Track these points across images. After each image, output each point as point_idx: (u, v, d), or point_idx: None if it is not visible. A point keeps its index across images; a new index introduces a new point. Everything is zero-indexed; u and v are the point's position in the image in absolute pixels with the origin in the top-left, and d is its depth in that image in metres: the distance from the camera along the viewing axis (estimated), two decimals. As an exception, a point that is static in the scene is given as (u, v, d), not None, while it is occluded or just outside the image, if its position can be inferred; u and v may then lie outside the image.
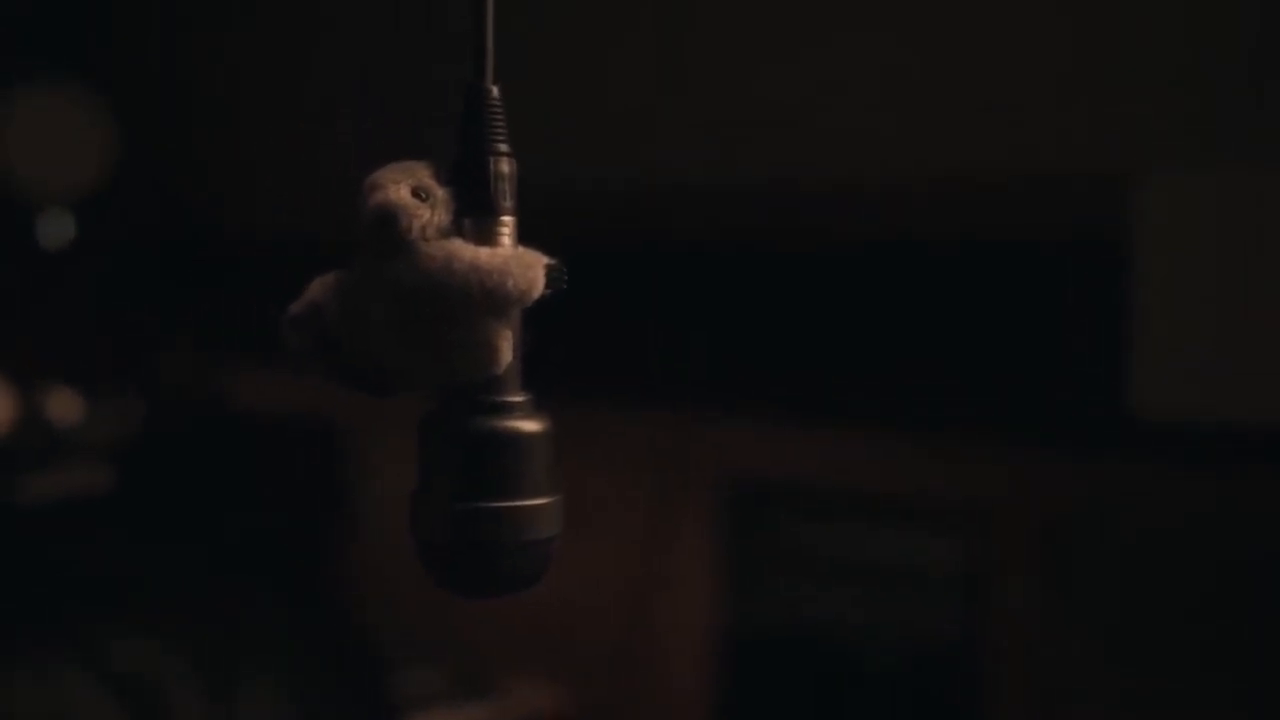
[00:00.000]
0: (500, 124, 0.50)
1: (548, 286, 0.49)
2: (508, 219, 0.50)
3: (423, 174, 0.49)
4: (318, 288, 0.50)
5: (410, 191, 0.48)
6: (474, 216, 0.49)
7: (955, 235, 1.58)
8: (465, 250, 0.48)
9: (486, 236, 0.49)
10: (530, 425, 0.49)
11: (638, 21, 1.78)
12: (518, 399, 0.50)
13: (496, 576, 0.49)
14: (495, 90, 0.50)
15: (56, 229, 2.50)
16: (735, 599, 1.85)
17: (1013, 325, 1.54)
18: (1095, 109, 1.47)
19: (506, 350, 0.49)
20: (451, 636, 2.13)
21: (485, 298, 0.48)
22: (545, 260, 0.49)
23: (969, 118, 1.55)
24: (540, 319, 0.50)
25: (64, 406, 2.20)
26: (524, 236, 0.50)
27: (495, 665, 2.10)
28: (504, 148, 0.50)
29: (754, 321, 1.75)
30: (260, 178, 2.47)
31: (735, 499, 1.83)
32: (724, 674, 1.86)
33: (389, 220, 0.48)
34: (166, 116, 2.61)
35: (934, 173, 1.58)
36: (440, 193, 0.49)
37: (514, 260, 0.48)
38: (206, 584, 1.67)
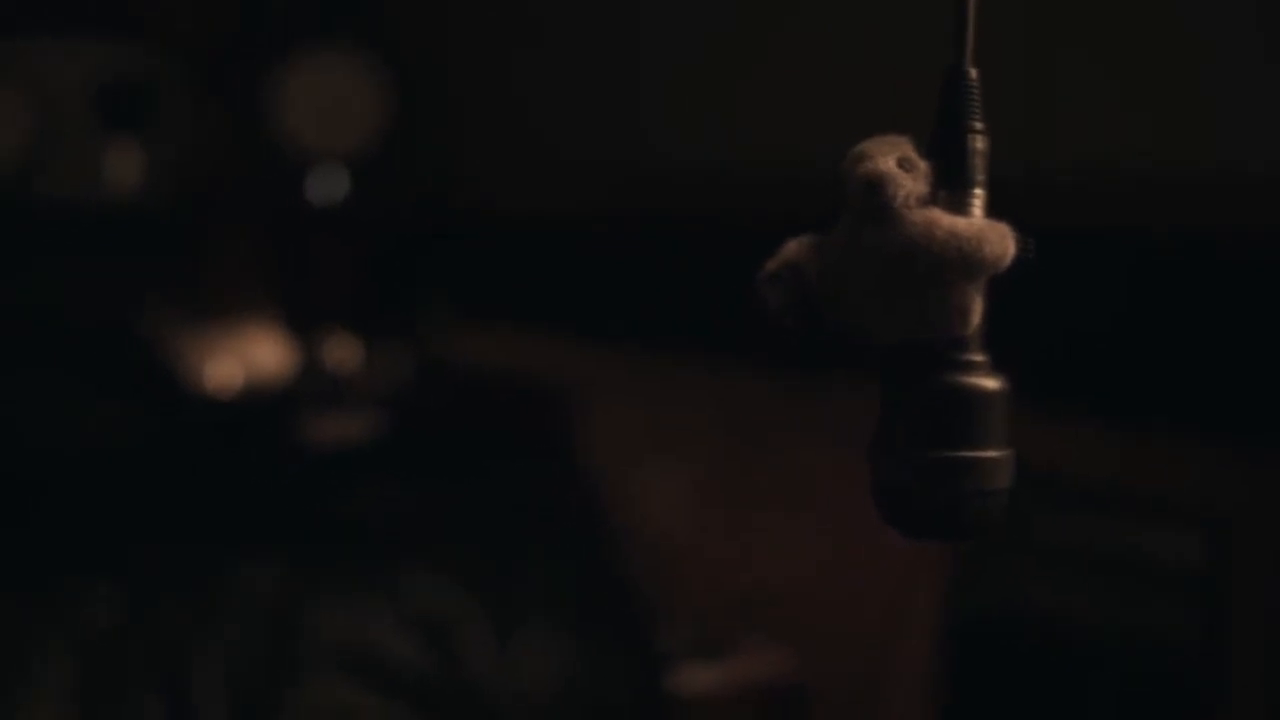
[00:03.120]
0: (977, 104, 0.54)
1: (1017, 256, 0.53)
2: (979, 192, 0.54)
3: (906, 148, 0.53)
4: (794, 249, 0.55)
5: (896, 162, 0.52)
6: (949, 188, 0.53)
7: (1226, 229, 1.57)
8: (944, 219, 0.52)
9: (960, 207, 0.53)
10: (993, 383, 0.53)
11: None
12: (980, 358, 0.54)
13: (959, 522, 0.53)
14: (974, 73, 0.54)
15: (329, 186, 2.61)
16: (967, 586, 1.85)
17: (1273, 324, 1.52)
18: None
19: (976, 313, 0.53)
20: (683, 598, 2.18)
21: (962, 263, 0.52)
22: (1015, 232, 0.53)
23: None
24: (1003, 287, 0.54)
25: (342, 353, 2.30)
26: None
27: (727, 630, 2.14)
28: (979, 126, 0.54)
29: (999, 309, 1.75)
30: (522, 151, 2.55)
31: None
32: (951, 660, 1.87)
33: (877, 187, 0.52)
34: (438, 82, 2.70)
35: (1218, 165, 1.56)
36: (922, 165, 0.53)
37: (988, 229, 0.52)
38: (485, 530, 1.75)
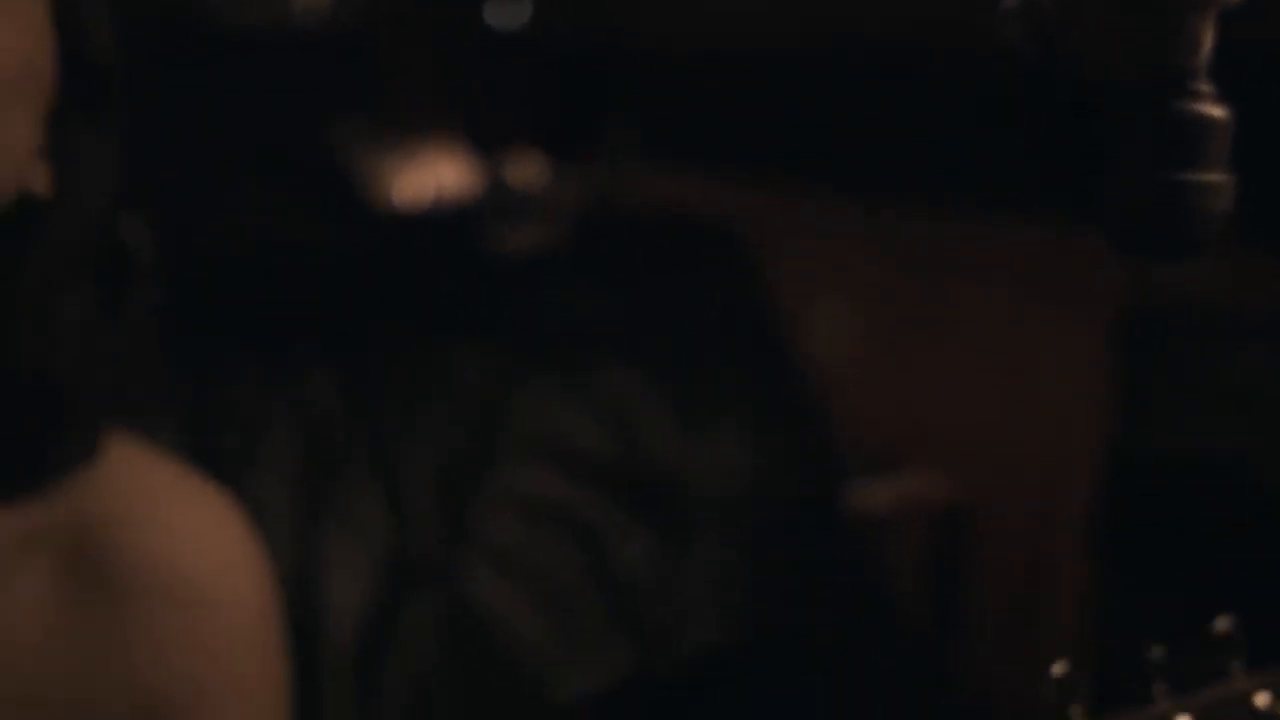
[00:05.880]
0: None
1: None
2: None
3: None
4: (1031, -17, 0.59)
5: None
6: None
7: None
8: (1179, -47, 0.56)
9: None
10: (1219, 111, 0.57)
11: None
12: (1208, 88, 0.57)
13: (1185, 240, 0.57)
14: None
15: (510, 11, 2.66)
16: (1128, 419, 1.86)
17: None
18: None
19: (1206, 44, 0.56)
20: (857, 423, 2.22)
21: (1196, -6, 0.55)
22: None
23: None
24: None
25: (527, 173, 2.37)
26: None
27: (897, 454, 2.18)
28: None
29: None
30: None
31: (1135, 318, 1.84)
32: (1110, 493, 1.89)
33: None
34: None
35: None
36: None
37: (1221, -37, 0.56)
38: (674, 333, 1.81)
